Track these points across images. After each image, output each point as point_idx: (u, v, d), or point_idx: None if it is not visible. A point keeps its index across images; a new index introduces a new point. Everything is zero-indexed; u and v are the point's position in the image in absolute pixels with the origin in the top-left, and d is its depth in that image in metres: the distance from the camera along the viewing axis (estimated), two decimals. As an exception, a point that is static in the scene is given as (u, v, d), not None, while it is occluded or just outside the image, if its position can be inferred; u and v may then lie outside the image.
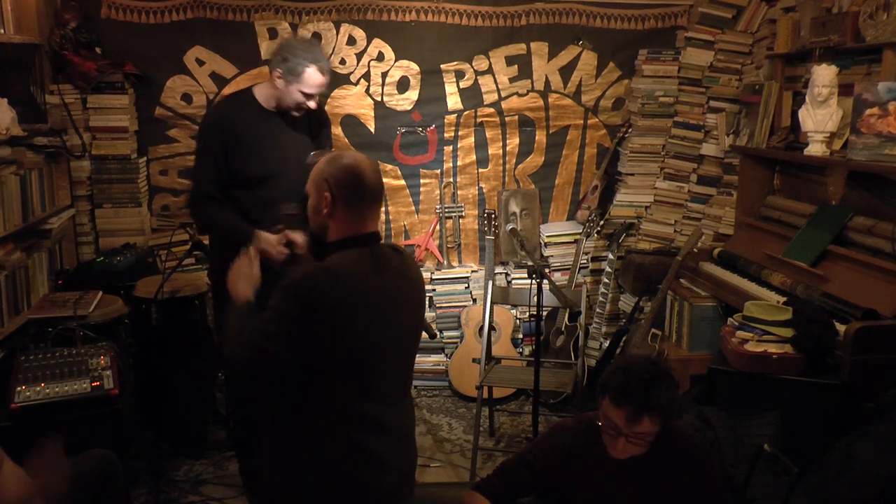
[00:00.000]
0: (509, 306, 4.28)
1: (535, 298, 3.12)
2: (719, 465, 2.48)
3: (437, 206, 4.43)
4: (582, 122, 4.47)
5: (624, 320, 4.27)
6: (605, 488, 1.99)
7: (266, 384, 1.94)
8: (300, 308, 1.81)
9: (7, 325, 3.06)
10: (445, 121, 4.35)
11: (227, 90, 4.13)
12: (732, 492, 2.42)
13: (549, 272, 4.31)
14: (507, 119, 4.40)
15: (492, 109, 4.38)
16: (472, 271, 4.44)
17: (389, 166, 4.33)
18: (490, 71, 4.32)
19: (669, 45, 4.33)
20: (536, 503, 2.18)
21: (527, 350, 4.45)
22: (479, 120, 4.39)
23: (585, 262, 4.38)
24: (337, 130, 4.26)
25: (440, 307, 4.40)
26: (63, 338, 2.98)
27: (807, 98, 3.23)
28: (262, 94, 2.97)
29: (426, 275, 4.39)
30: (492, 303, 3.78)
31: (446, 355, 4.39)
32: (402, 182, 4.40)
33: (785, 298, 3.01)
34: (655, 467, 1.97)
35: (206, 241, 3.24)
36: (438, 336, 4.39)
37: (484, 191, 4.48)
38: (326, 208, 1.92)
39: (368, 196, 1.94)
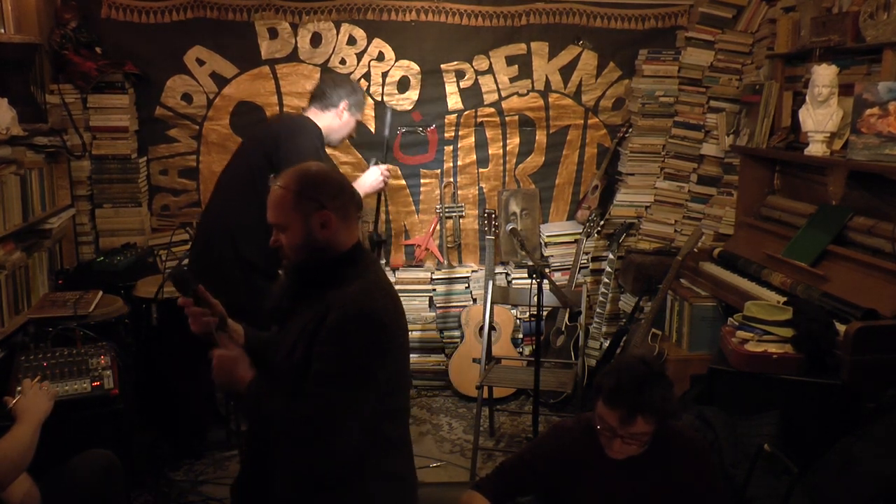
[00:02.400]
0: (509, 306, 4.28)
1: (536, 298, 3.12)
2: (719, 464, 2.49)
3: (438, 206, 4.43)
4: (582, 121, 4.47)
5: (624, 320, 4.27)
6: (604, 488, 1.99)
7: (329, 435, 1.69)
8: (375, 336, 1.68)
9: (7, 325, 3.06)
10: (446, 121, 4.35)
11: (228, 90, 4.13)
12: (732, 492, 2.42)
13: (550, 272, 4.31)
14: (507, 119, 4.40)
15: (492, 109, 4.38)
16: (473, 271, 4.43)
17: (390, 166, 4.32)
18: (490, 71, 4.32)
19: (670, 45, 4.32)
20: (536, 503, 2.18)
21: (527, 350, 4.45)
22: (479, 120, 4.39)
23: (585, 262, 4.38)
24: (337, 130, 4.27)
25: (440, 307, 4.40)
26: (63, 338, 2.98)
27: (807, 98, 3.22)
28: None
29: (426, 275, 4.40)
30: (492, 303, 3.78)
31: (446, 355, 4.39)
32: (403, 182, 4.40)
33: (785, 298, 3.01)
34: (654, 467, 1.97)
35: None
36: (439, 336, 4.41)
37: (484, 191, 4.48)
38: (327, 227, 1.75)
39: (356, 199, 1.84)
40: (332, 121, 3.15)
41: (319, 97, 3.19)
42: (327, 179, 1.79)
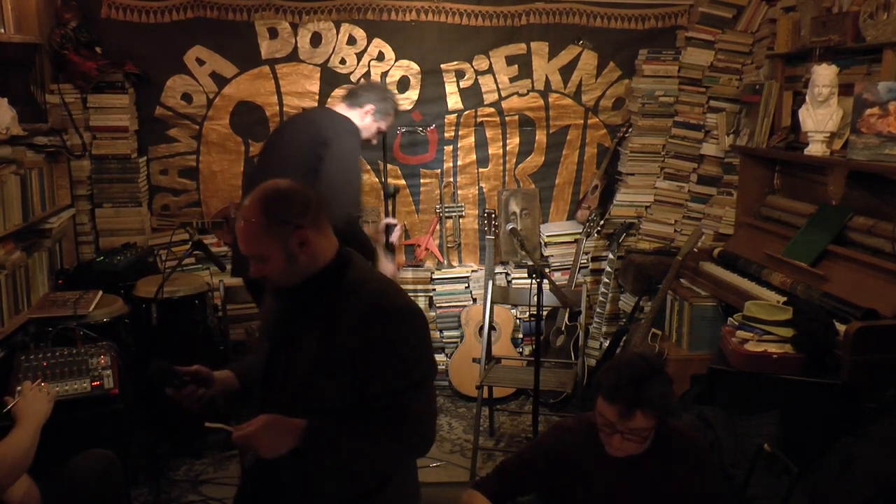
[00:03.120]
0: (509, 306, 4.28)
1: (535, 298, 3.12)
2: (719, 464, 2.49)
3: (438, 206, 4.43)
4: (582, 121, 4.47)
5: (624, 320, 4.27)
6: (604, 487, 2.00)
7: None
8: (419, 325, 1.75)
9: (7, 325, 3.06)
10: (445, 120, 4.35)
11: (228, 90, 4.13)
12: (732, 492, 2.42)
13: (549, 272, 4.31)
14: (507, 119, 4.40)
15: (492, 109, 4.38)
16: (472, 271, 4.43)
17: (389, 166, 4.33)
18: (490, 71, 4.32)
19: (670, 45, 4.32)
20: (536, 502, 2.18)
21: (527, 350, 4.45)
22: (479, 120, 4.39)
23: (585, 261, 4.38)
24: (337, 130, 4.27)
25: (440, 307, 4.40)
26: (63, 337, 2.99)
27: (807, 98, 3.22)
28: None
29: (426, 274, 4.40)
30: (492, 302, 3.78)
31: (446, 355, 4.39)
32: (403, 182, 4.40)
33: (785, 298, 3.01)
34: (654, 466, 1.97)
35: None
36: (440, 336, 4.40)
37: (484, 190, 4.48)
38: (306, 245, 1.70)
39: (320, 204, 1.77)
40: (356, 120, 3.31)
41: (350, 95, 3.39)
42: (291, 196, 1.72)
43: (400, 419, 1.69)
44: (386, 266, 3.54)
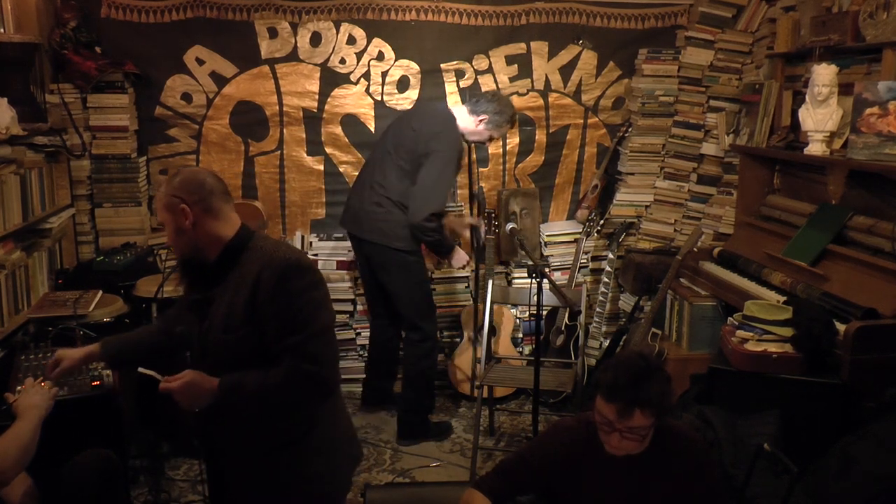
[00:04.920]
0: (509, 306, 4.28)
1: (535, 298, 3.12)
2: (719, 464, 2.49)
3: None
4: (582, 121, 4.47)
5: (624, 320, 4.27)
6: (604, 486, 2.00)
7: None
8: (313, 276, 1.94)
9: (7, 325, 3.06)
10: (445, 120, 4.34)
11: (228, 90, 4.13)
12: (732, 491, 2.42)
13: (549, 271, 4.31)
14: (507, 118, 4.39)
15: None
16: (472, 271, 4.42)
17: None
18: (490, 70, 4.31)
19: (669, 45, 4.32)
20: (536, 502, 2.18)
21: (527, 349, 4.45)
22: (479, 119, 4.38)
23: (585, 261, 4.38)
24: (337, 130, 4.26)
25: (440, 307, 4.39)
26: (63, 337, 2.98)
27: (807, 97, 3.23)
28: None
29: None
30: (492, 302, 3.78)
31: (446, 355, 4.39)
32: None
33: (785, 298, 3.01)
34: (654, 464, 1.97)
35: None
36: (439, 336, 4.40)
37: (484, 190, 4.48)
38: (196, 224, 1.93)
39: (217, 191, 1.97)
40: (469, 124, 3.65)
41: (474, 101, 3.70)
42: (191, 179, 1.95)
43: (303, 363, 1.86)
44: (461, 258, 3.83)
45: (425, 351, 3.71)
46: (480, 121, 3.65)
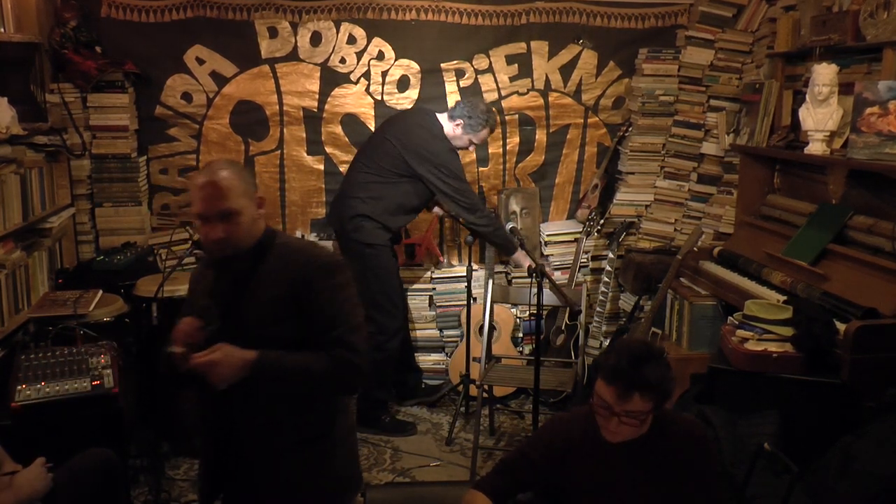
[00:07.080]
0: (509, 305, 4.28)
1: (536, 297, 3.12)
2: (719, 463, 2.48)
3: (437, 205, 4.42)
4: (582, 120, 4.47)
5: (624, 319, 4.27)
6: (604, 475, 1.99)
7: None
8: (349, 274, 2.03)
9: (7, 324, 3.06)
10: (445, 120, 4.34)
11: (228, 89, 4.13)
12: (732, 491, 2.42)
13: (550, 271, 4.30)
14: (507, 118, 4.39)
15: (492, 108, 4.37)
16: (473, 270, 4.42)
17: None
18: (490, 70, 4.31)
19: (670, 44, 4.32)
20: (535, 500, 2.18)
21: (527, 349, 4.45)
22: (479, 119, 4.38)
23: (585, 260, 4.37)
24: (337, 130, 4.26)
25: (440, 306, 4.40)
26: (63, 337, 2.99)
27: (807, 97, 3.22)
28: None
29: (426, 274, 4.40)
30: (492, 302, 3.78)
31: (446, 354, 4.39)
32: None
33: (785, 297, 3.01)
34: (653, 452, 1.97)
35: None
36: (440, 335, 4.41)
37: (484, 190, 4.48)
38: (261, 207, 2.02)
39: None
40: (450, 129, 3.85)
41: (453, 107, 3.91)
42: (244, 169, 2.07)
43: (346, 353, 1.92)
44: (524, 260, 3.91)
45: (377, 343, 3.73)
46: (457, 125, 3.82)
